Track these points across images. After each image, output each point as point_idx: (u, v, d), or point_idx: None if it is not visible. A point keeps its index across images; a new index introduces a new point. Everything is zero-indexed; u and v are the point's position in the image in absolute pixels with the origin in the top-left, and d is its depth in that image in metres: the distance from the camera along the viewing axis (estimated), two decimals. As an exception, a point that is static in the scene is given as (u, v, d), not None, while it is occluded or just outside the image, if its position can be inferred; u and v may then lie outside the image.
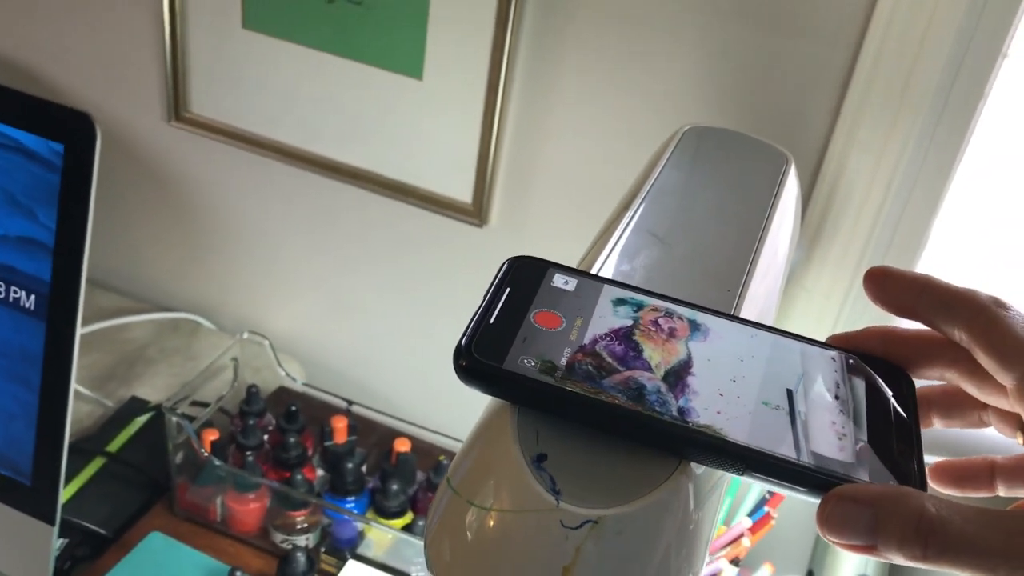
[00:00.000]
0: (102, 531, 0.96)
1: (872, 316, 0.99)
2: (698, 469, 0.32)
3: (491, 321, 0.34)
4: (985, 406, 0.36)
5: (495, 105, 0.99)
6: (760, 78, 0.90)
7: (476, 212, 1.06)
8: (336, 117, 1.09)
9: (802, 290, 0.98)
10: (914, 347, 0.36)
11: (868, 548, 0.29)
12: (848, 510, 0.29)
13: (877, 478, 0.31)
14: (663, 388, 0.32)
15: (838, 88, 0.88)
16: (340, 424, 0.99)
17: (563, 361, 0.33)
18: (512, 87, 0.99)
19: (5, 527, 0.84)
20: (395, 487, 0.93)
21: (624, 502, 0.30)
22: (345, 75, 1.05)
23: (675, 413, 0.31)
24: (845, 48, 0.86)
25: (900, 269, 0.36)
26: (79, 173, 0.75)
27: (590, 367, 0.33)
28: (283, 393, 1.11)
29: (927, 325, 0.35)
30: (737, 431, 0.31)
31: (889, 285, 0.35)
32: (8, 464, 0.82)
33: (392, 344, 1.21)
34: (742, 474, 0.31)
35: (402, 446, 0.98)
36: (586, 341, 0.34)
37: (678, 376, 0.33)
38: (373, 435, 1.05)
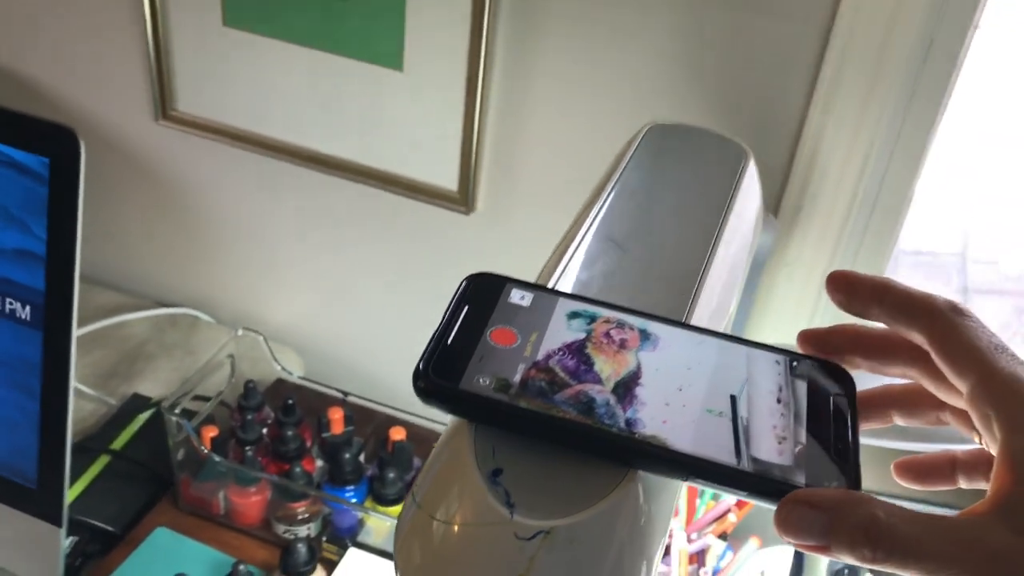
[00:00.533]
0: (110, 528, 0.98)
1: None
2: (647, 474, 0.34)
3: (448, 341, 0.36)
4: (944, 405, 0.38)
5: (476, 92, 1.00)
6: (736, 56, 0.91)
7: (462, 200, 1.08)
8: (320, 110, 1.10)
9: (784, 265, 0.99)
10: (880, 346, 0.37)
11: (821, 548, 0.31)
12: (805, 514, 0.31)
13: (813, 480, 0.32)
14: (612, 400, 0.34)
15: (813, 63, 0.89)
16: (336, 415, 1.01)
17: (517, 378, 0.34)
18: (492, 74, 1.00)
19: (16, 530, 0.86)
20: (392, 475, 0.96)
21: (574, 512, 0.32)
22: (327, 69, 1.06)
23: (623, 425, 0.33)
24: (818, 23, 0.87)
25: (861, 274, 0.37)
26: (66, 186, 0.77)
27: (543, 383, 0.34)
28: (280, 385, 1.13)
29: (888, 327, 0.36)
30: (681, 440, 0.33)
31: (851, 290, 0.37)
32: (15, 470, 0.84)
33: (386, 331, 1.23)
34: (686, 480, 0.33)
35: (398, 434, 1.00)
36: (540, 357, 0.35)
37: (627, 388, 0.35)
38: (370, 424, 1.08)
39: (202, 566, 0.94)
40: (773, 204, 0.97)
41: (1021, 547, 0.28)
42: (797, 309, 1.01)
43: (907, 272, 2.22)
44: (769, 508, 0.32)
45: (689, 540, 0.86)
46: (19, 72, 1.23)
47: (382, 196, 1.11)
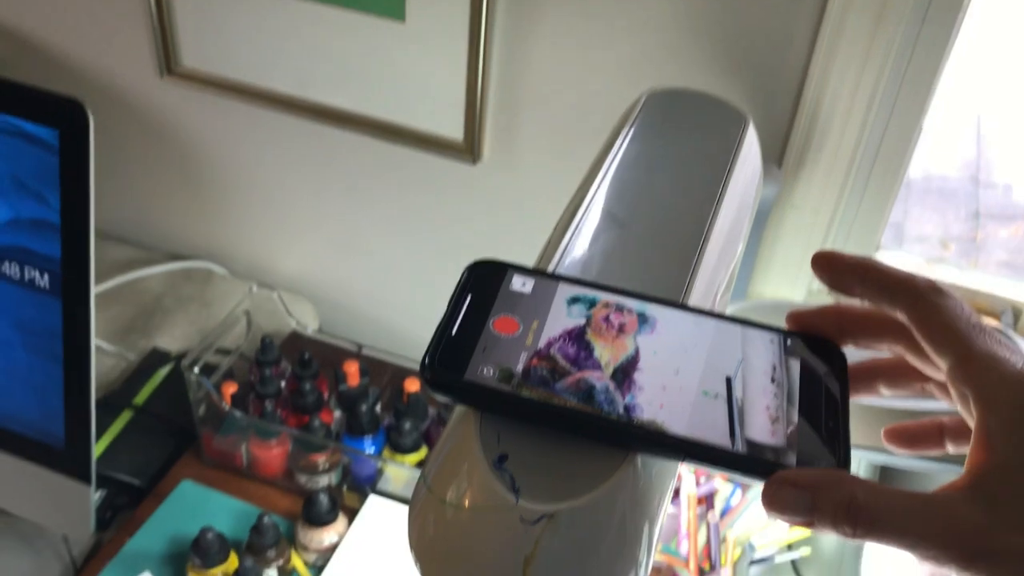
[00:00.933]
0: (136, 482, 1.02)
1: (859, 232, 1.01)
2: (646, 457, 0.35)
3: (453, 333, 0.37)
4: (929, 378, 0.39)
5: (479, 41, 1.00)
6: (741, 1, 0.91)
7: (468, 149, 1.08)
8: (324, 63, 1.10)
9: (791, 208, 1.00)
10: (865, 324, 0.38)
11: (806, 524, 0.32)
12: (789, 493, 0.32)
13: (804, 460, 0.34)
14: (611, 387, 0.35)
15: (817, 4, 0.88)
16: (352, 368, 1.03)
17: (520, 367, 0.36)
18: (495, 21, 1.00)
19: (48, 489, 0.90)
20: (408, 425, 0.98)
21: (576, 496, 0.33)
22: (329, 21, 1.06)
23: (621, 411, 0.35)
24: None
25: (843, 254, 0.38)
26: (76, 156, 0.78)
27: (544, 372, 0.36)
28: (296, 338, 1.15)
29: (872, 305, 0.37)
30: (677, 424, 0.34)
31: (833, 270, 0.38)
32: (44, 432, 0.87)
33: (398, 280, 1.25)
34: (682, 461, 0.35)
35: (412, 386, 1.03)
36: (541, 345, 0.37)
37: (625, 373, 0.36)
38: (385, 374, 1.10)
39: (228, 517, 0.97)
40: (778, 148, 0.97)
41: (993, 523, 0.30)
42: (805, 251, 1.02)
43: (917, 198, 2.22)
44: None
45: (697, 484, 0.88)
46: (23, 33, 1.23)
47: (388, 148, 1.12)
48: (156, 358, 1.17)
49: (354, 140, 1.13)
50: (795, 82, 0.93)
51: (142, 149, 1.29)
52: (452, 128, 1.08)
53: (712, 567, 0.86)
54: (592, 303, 0.39)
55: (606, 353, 0.37)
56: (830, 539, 0.89)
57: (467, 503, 0.34)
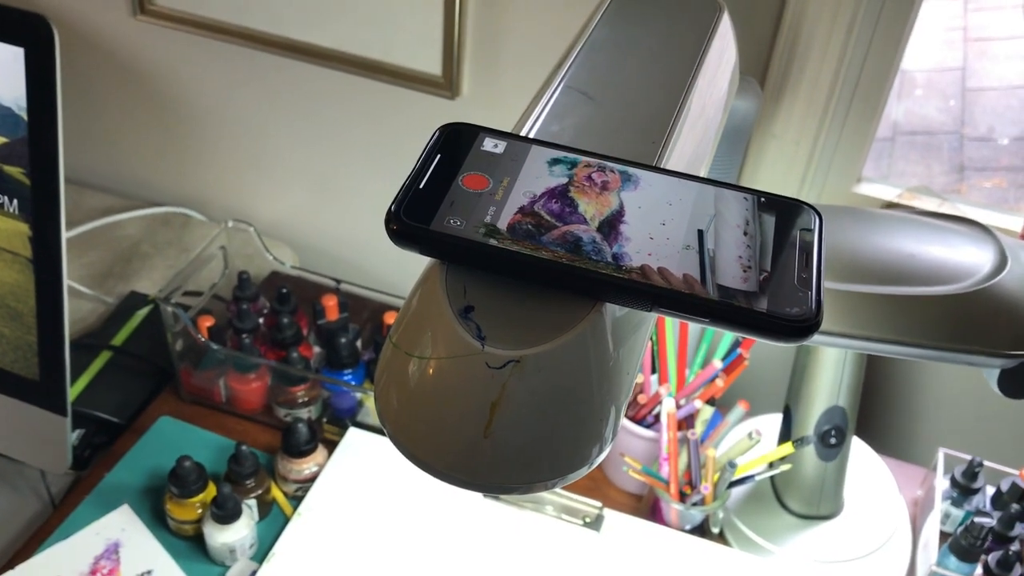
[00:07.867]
0: (115, 419, 1.01)
1: (841, 160, 1.01)
2: (617, 311, 0.35)
3: (420, 186, 0.36)
4: None
5: (455, -27, 0.99)
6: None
7: (447, 84, 1.07)
8: (299, -2, 1.08)
9: (772, 138, 0.99)
10: None
11: None
12: None
13: (775, 305, 0.33)
14: (598, 238, 0.35)
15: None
16: (331, 303, 1.02)
17: (487, 219, 0.35)
18: (471, -47, 0.98)
19: (25, 423, 0.89)
20: (388, 357, 0.97)
21: (543, 342, 0.33)
22: (303, -45, 1.04)
23: (609, 259, 0.34)
24: None
25: None
26: (43, 74, 0.76)
27: (529, 226, 0.35)
28: (274, 277, 1.14)
29: None
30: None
31: None
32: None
33: (376, 221, 1.23)
34: (650, 310, 0.34)
35: (391, 319, 1.02)
36: (520, 201, 0.36)
37: (611, 226, 0.35)
38: (364, 311, 1.09)
39: (206, 450, 0.96)
40: (759, 76, 0.96)
41: None
42: (784, 181, 1.02)
43: (903, 152, 2.22)
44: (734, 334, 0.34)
45: (678, 406, 0.88)
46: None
47: (365, 84, 1.10)
48: (134, 301, 1.16)
49: (330, 77, 1.12)
50: (774, 10, 0.92)
51: (116, 92, 1.27)
52: (429, 63, 1.06)
53: (693, 489, 0.86)
54: (573, 164, 0.38)
55: (591, 209, 0.36)
56: (810, 459, 0.89)
57: (433, 353, 0.34)
